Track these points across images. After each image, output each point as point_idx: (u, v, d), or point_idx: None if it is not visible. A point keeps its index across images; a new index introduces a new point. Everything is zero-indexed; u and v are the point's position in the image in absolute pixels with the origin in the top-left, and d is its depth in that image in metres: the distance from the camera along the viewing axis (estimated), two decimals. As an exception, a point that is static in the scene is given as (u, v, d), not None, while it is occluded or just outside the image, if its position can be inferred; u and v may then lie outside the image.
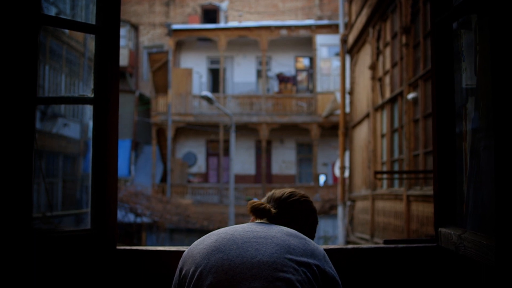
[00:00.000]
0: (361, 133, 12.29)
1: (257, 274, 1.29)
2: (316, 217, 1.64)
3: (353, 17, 13.08)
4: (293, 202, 1.58)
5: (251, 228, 1.44)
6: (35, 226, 1.76)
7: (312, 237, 1.61)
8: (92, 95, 1.83)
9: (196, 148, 21.82)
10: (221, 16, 23.65)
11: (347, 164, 13.51)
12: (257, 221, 1.54)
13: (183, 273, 1.40)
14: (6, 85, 1.64)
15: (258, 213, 1.52)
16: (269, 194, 1.64)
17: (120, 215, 16.14)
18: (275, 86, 21.64)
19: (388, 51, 9.99)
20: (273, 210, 1.53)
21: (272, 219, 1.53)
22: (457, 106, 1.82)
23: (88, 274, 1.78)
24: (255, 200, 1.59)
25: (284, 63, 21.95)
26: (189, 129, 21.04)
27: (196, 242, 1.47)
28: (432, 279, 1.81)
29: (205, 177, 21.75)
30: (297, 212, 1.58)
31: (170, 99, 20.46)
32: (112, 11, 1.82)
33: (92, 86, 1.83)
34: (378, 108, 10.63)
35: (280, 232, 1.42)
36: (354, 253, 1.83)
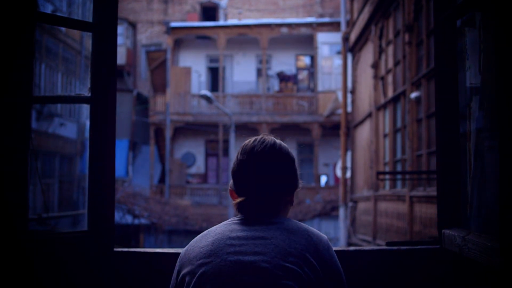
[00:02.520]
0: (363, 133, 12.29)
1: (256, 282, 1.27)
2: (294, 159, 1.50)
3: (355, 14, 13.08)
4: (273, 165, 1.45)
5: (249, 226, 1.39)
6: (31, 228, 1.76)
7: (298, 179, 1.51)
8: (89, 94, 1.83)
9: (195, 148, 21.83)
10: (221, 13, 23.66)
11: (348, 164, 13.51)
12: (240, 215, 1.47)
13: (180, 276, 1.38)
14: (1, 83, 1.64)
15: (247, 212, 1.45)
16: (239, 162, 1.47)
17: (118, 216, 16.15)
18: (275, 85, 21.65)
19: (390, 49, 9.99)
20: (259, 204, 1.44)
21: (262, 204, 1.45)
22: (461, 105, 1.82)
23: (85, 276, 1.78)
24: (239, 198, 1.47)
25: (284, 62, 21.96)
26: (187, 129, 21.05)
27: (192, 243, 1.43)
28: (435, 282, 1.81)
29: (204, 177, 21.76)
30: (279, 171, 1.46)
31: (169, 98, 20.47)
32: (109, 9, 1.83)
33: (89, 85, 1.83)
34: (381, 108, 10.63)
35: (279, 228, 1.37)
36: (356, 255, 1.83)
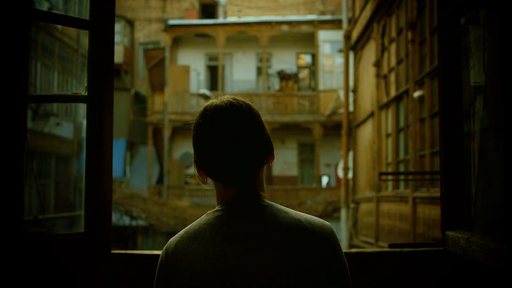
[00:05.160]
0: (365, 133, 12.29)
1: None
2: (260, 119, 1.31)
3: (357, 12, 13.08)
4: (250, 130, 1.26)
5: (242, 226, 1.22)
6: (27, 230, 1.76)
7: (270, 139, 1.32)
8: (86, 93, 1.83)
9: (194, 149, 21.82)
10: (220, 11, 23.67)
11: (350, 165, 13.51)
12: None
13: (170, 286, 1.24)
14: (-3, 82, 1.64)
15: (234, 201, 1.28)
16: (207, 134, 1.27)
17: (115, 218, 16.13)
18: (275, 84, 21.65)
19: (393, 47, 10.00)
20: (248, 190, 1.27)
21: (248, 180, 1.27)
22: (465, 104, 1.82)
23: (82, 279, 1.78)
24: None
25: (285, 60, 21.96)
26: (186, 129, 20.97)
27: (179, 247, 1.25)
28: (439, 284, 1.81)
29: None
30: (257, 135, 1.27)
31: (167, 98, 20.47)
32: (106, 6, 1.82)
33: (85, 84, 1.83)
34: (383, 107, 10.63)
35: (275, 229, 1.21)
36: (358, 257, 1.83)
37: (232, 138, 1.24)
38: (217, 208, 1.29)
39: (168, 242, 1.29)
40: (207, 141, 1.28)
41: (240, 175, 1.26)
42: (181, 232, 1.29)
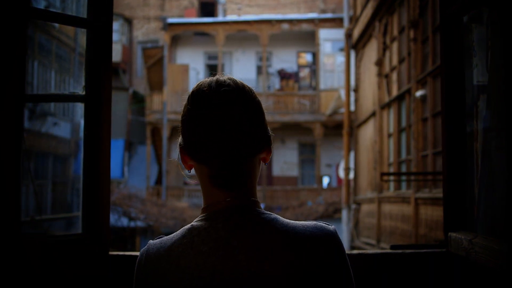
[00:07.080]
0: (367, 133, 12.29)
1: None
2: (261, 105, 1.23)
3: (358, 10, 13.08)
4: (249, 116, 1.16)
5: (235, 257, 1.06)
6: (24, 231, 1.76)
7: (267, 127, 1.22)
8: (83, 93, 1.83)
9: (193, 149, 21.82)
10: (219, 9, 23.67)
11: (352, 165, 13.51)
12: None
13: None
14: (-7, 82, 1.64)
15: (228, 197, 1.13)
16: (201, 118, 1.11)
17: (113, 219, 16.14)
18: (276, 83, 21.66)
19: (395, 46, 9.99)
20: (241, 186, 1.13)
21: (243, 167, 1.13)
22: (468, 104, 1.82)
23: (80, 281, 1.78)
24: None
25: (285, 59, 21.97)
26: (185, 129, 21.04)
27: (161, 269, 1.07)
28: (441, 286, 1.81)
29: (202, 179, 21.73)
30: (256, 122, 1.18)
31: (166, 97, 20.47)
32: (104, 4, 1.82)
33: (83, 83, 1.83)
34: (385, 106, 10.63)
35: (274, 244, 1.07)
36: (360, 259, 1.83)
37: (227, 119, 1.10)
38: (202, 221, 1.12)
39: (145, 255, 1.11)
40: (199, 121, 1.12)
41: (239, 169, 1.12)
42: (160, 250, 1.10)
